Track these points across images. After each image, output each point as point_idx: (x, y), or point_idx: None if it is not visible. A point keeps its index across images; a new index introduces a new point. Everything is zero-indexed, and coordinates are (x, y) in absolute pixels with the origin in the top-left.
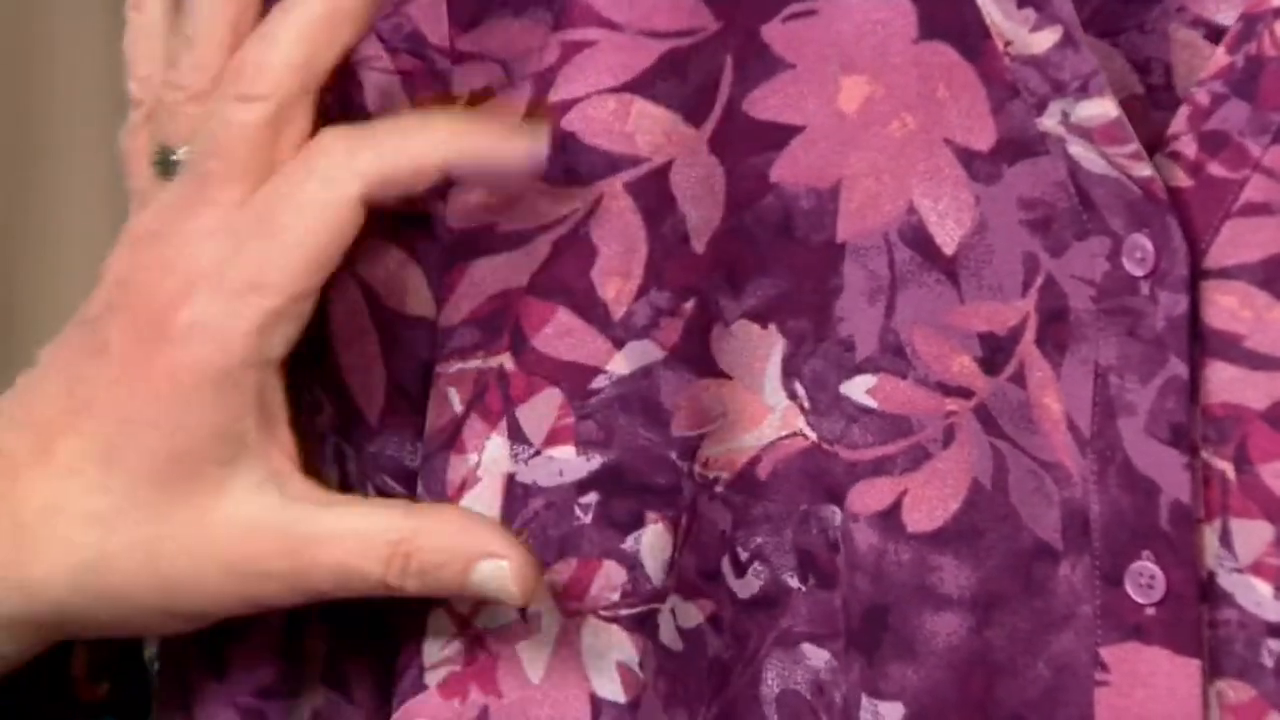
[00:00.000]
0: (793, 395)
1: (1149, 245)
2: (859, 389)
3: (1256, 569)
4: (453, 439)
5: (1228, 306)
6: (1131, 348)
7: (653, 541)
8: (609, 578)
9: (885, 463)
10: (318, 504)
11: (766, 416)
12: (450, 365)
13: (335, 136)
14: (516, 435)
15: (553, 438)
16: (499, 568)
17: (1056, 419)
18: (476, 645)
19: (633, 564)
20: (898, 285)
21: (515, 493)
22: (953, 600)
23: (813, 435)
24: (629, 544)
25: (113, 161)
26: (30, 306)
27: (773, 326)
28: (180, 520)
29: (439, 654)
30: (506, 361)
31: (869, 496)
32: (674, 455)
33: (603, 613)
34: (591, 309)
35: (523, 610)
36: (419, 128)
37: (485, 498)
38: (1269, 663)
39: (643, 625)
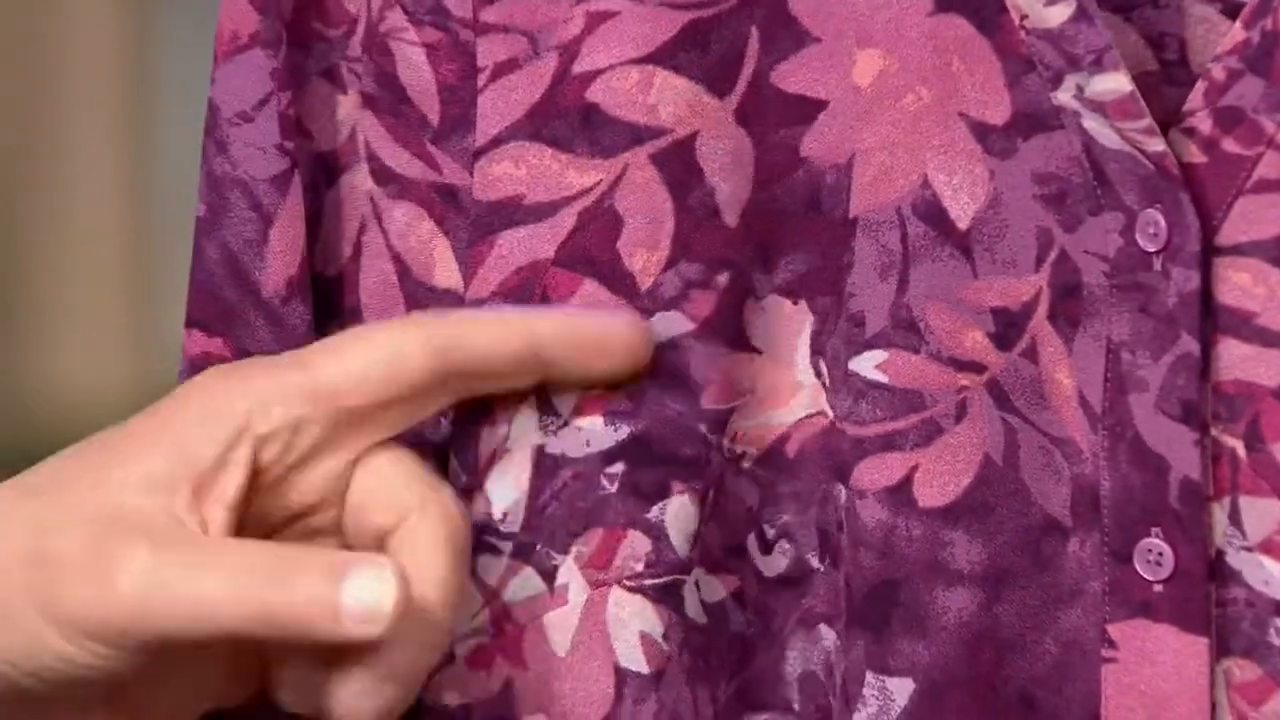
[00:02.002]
0: (818, 373)
1: (1162, 221)
2: (868, 364)
3: (1266, 547)
4: (484, 411)
5: (1240, 283)
6: (1144, 324)
7: (678, 512)
8: (634, 547)
9: (896, 438)
10: None
11: (797, 394)
12: None
13: None
14: (546, 407)
15: (581, 409)
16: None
17: (1068, 395)
18: (504, 617)
19: (658, 534)
20: (910, 260)
21: (544, 464)
22: (964, 576)
23: (831, 414)
24: (654, 514)
25: (120, 162)
26: (35, 305)
27: (803, 303)
28: None
29: (467, 625)
30: None
31: (878, 472)
32: (703, 428)
33: (627, 583)
34: (619, 281)
35: (550, 583)
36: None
37: (515, 470)
38: (1276, 641)
39: (667, 596)
